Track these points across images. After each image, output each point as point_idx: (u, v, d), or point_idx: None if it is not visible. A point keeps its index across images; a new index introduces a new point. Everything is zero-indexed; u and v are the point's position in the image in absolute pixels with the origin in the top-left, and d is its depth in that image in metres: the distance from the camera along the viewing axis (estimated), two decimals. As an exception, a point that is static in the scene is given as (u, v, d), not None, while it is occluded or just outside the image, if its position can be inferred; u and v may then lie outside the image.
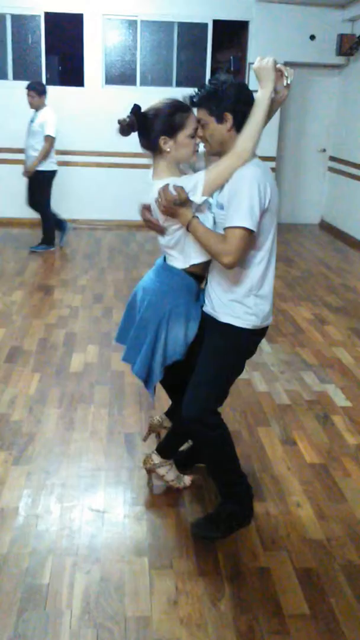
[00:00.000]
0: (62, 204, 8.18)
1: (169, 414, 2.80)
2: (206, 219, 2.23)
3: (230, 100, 2.14)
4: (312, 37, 7.93)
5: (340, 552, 2.41)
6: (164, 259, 2.42)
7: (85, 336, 4.44)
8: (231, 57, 8.09)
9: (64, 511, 2.58)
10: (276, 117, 8.14)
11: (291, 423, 3.35)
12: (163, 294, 2.34)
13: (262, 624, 2.06)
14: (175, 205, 2.14)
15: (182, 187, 2.13)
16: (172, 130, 2.18)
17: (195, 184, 2.14)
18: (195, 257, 2.29)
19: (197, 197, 2.14)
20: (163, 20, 7.77)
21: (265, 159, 8.37)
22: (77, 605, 2.10)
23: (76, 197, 8.13)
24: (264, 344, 4.35)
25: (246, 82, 7.92)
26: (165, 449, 2.64)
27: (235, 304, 2.28)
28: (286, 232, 8.27)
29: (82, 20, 7.67)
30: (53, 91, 7.94)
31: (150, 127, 2.19)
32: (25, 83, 6.27)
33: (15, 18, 7.67)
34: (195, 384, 2.34)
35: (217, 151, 2.23)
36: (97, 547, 2.39)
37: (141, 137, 2.24)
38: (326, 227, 8.69)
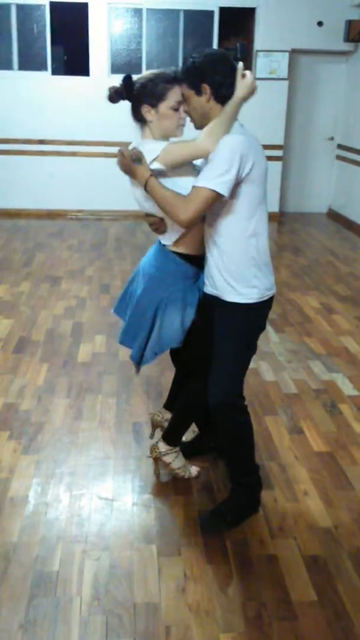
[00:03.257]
0: (69, 194, 8.20)
1: (167, 407, 2.82)
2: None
3: (207, 72, 2.16)
4: (320, 24, 7.84)
5: (347, 539, 2.42)
6: (160, 241, 2.44)
7: (93, 326, 4.45)
8: (237, 45, 8.00)
9: (73, 499, 2.60)
10: (283, 105, 8.10)
11: (298, 412, 3.36)
12: (159, 281, 2.37)
13: (270, 610, 2.08)
14: (133, 162, 2.18)
15: (139, 150, 2.20)
16: (154, 100, 2.23)
17: (156, 150, 2.18)
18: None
19: (151, 161, 2.18)
20: (169, 8, 7.71)
21: (272, 147, 8.37)
22: (87, 592, 2.13)
23: (82, 188, 8.12)
24: (271, 334, 4.35)
25: (252, 70, 7.89)
26: (171, 436, 2.65)
27: (235, 280, 2.27)
28: (293, 221, 8.20)
29: (87, 9, 7.63)
30: (59, 81, 7.94)
31: (135, 96, 2.25)
32: (31, 73, 6.25)
33: (20, 8, 7.63)
34: (216, 369, 2.34)
35: (202, 125, 2.22)
36: (106, 534, 2.41)
37: (131, 107, 2.30)
38: (334, 216, 8.64)
